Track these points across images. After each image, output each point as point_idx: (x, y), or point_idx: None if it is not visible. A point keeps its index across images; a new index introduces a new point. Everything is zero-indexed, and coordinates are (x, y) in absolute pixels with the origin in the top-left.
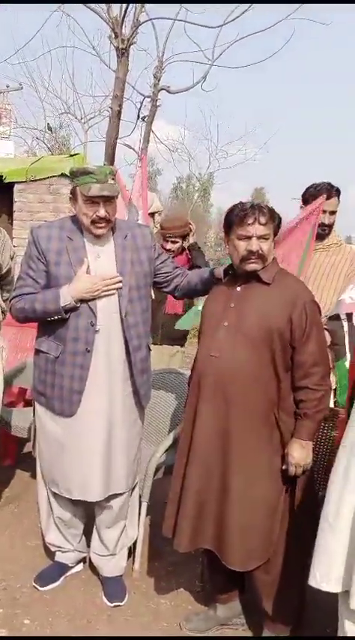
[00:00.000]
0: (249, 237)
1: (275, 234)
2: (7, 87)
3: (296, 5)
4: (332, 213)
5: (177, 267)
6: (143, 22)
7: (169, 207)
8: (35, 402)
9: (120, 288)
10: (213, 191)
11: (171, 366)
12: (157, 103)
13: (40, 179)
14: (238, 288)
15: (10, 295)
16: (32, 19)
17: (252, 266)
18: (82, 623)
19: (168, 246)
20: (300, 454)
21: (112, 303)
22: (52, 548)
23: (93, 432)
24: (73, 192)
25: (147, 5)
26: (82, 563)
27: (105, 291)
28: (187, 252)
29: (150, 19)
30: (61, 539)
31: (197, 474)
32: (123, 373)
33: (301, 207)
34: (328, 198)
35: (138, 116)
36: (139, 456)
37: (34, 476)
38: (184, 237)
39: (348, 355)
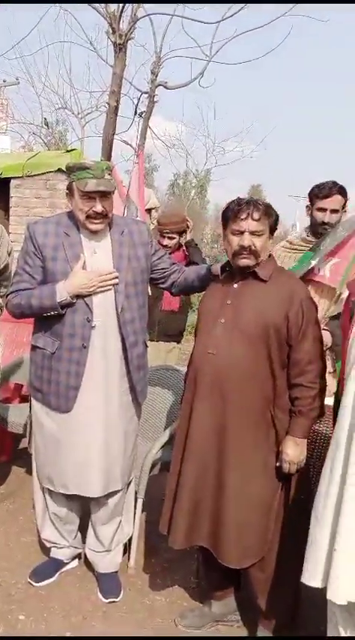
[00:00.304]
0: (242, 233)
1: (271, 231)
2: (4, 82)
3: (293, 3)
4: (334, 211)
5: (174, 264)
6: (140, 18)
7: (166, 203)
8: (31, 398)
9: (117, 284)
10: (209, 188)
11: (168, 362)
12: (154, 99)
13: (36, 174)
14: (235, 285)
15: (6, 291)
16: (29, 14)
17: (243, 261)
18: (77, 619)
19: (165, 242)
20: (294, 451)
21: (109, 299)
22: (48, 545)
23: (90, 428)
24: (70, 188)
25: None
26: (77, 560)
27: (102, 287)
28: (184, 248)
29: (148, 15)
30: (56, 536)
31: (192, 471)
32: (120, 369)
33: (307, 206)
34: (328, 196)
35: (136, 112)
36: (136, 452)
37: (29, 472)
38: (181, 233)
39: None
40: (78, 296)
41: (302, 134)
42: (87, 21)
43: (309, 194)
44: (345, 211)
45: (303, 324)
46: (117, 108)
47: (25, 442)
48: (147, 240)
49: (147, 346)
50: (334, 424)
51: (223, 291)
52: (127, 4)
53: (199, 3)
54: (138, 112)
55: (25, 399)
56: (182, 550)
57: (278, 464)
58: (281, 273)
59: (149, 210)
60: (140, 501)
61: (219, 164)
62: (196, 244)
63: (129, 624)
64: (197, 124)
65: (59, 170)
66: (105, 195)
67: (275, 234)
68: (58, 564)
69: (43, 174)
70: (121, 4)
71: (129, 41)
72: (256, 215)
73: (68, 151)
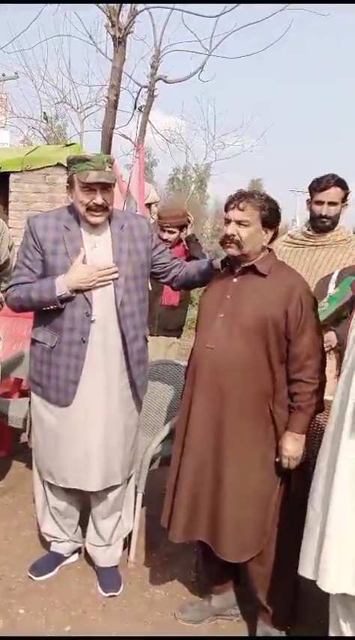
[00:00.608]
0: (229, 222)
1: (265, 225)
2: (3, 76)
3: (288, 2)
4: (332, 204)
5: (174, 258)
6: (140, 11)
7: (165, 198)
8: (31, 392)
9: (116, 278)
10: (209, 182)
11: (168, 357)
12: (154, 93)
13: (35, 169)
14: (234, 280)
15: (6, 285)
16: (28, 8)
17: (228, 250)
18: (77, 613)
19: (165, 236)
20: (293, 447)
21: (108, 293)
22: (48, 539)
23: (89, 423)
24: (70, 181)
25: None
26: (77, 554)
27: (101, 281)
28: (184, 243)
29: (147, 8)
30: (56, 530)
31: (191, 465)
32: (120, 364)
33: (307, 200)
34: (326, 188)
35: (135, 106)
36: (136, 447)
37: (29, 467)
38: (181, 227)
39: None
40: (77, 290)
41: (303, 128)
42: (86, 15)
43: (309, 187)
44: (346, 205)
45: (302, 318)
46: (116, 102)
47: (24, 437)
48: (148, 234)
49: (147, 341)
50: None
51: (223, 286)
52: None
53: (198, 3)
54: (138, 106)
55: (24, 394)
56: (182, 544)
57: (277, 459)
58: (282, 268)
59: (149, 205)
60: (140, 496)
61: (219, 158)
62: (197, 239)
63: (129, 618)
64: (197, 119)
65: (58, 164)
66: (105, 187)
67: (277, 229)
68: (58, 558)
69: (42, 168)
70: None
71: (128, 35)
72: (241, 205)
73: (67, 145)
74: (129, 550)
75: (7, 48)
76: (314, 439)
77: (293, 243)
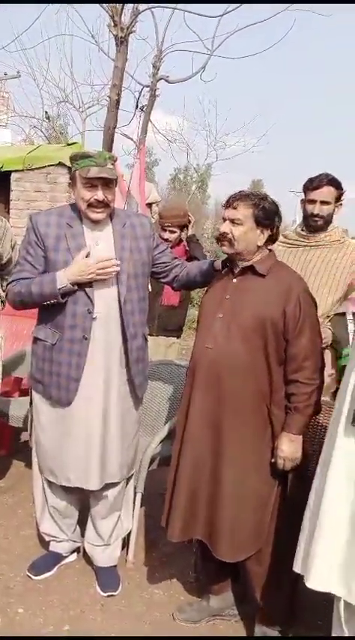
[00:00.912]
0: (224, 220)
1: (260, 224)
2: (5, 75)
3: (290, 2)
4: (325, 203)
5: (175, 258)
6: (142, 11)
7: (166, 198)
8: (32, 390)
9: (117, 271)
10: (211, 182)
11: (168, 357)
12: (156, 93)
13: (37, 168)
14: (234, 280)
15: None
16: (31, 6)
17: (223, 248)
18: (75, 612)
19: (166, 235)
20: (289, 448)
21: (110, 290)
22: (47, 538)
23: (89, 420)
24: (73, 177)
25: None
26: (76, 553)
27: (101, 274)
28: (185, 243)
29: (150, 8)
30: (55, 529)
31: (189, 465)
32: (120, 361)
33: (301, 200)
34: (318, 187)
35: (137, 106)
36: (137, 446)
37: (29, 466)
38: (182, 227)
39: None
40: (79, 285)
41: (305, 128)
42: (88, 14)
43: (303, 187)
44: (340, 204)
45: (300, 318)
46: (118, 101)
47: (24, 436)
48: (150, 233)
49: (146, 340)
50: None
51: (223, 286)
52: None
53: (200, 3)
54: (140, 105)
55: (25, 393)
56: (180, 544)
57: (273, 460)
58: (281, 268)
59: (150, 205)
60: (139, 496)
61: (220, 159)
62: (197, 239)
63: (128, 618)
64: (198, 119)
65: (60, 164)
66: (107, 183)
67: (275, 230)
68: (57, 558)
69: (43, 167)
70: None
71: (130, 34)
72: (235, 204)
73: (69, 145)
74: (127, 550)
75: (9, 47)
76: (314, 440)
77: (288, 244)
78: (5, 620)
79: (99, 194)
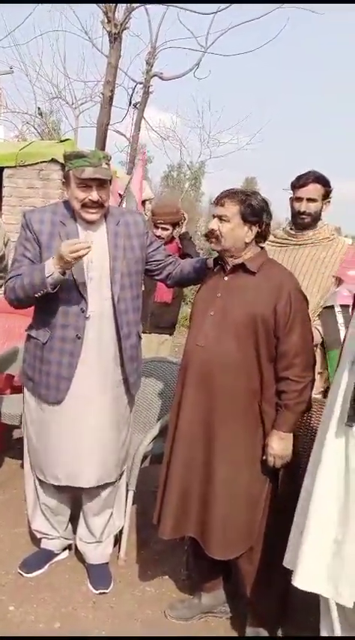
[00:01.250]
0: (214, 217)
1: (245, 220)
2: None
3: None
4: (311, 200)
5: (169, 255)
6: (136, 8)
7: (159, 195)
8: (24, 388)
9: (89, 246)
10: (204, 180)
11: (160, 354)
12: (149, 90)
13: (29, 164)
14: (226, 278)
15: (2, 282)
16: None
17: (211, 245)
18: (67, 610)
19: (159, 232)
20: (279, 446)
21: (104, 289)
22: (38, 535)
23: (83, 419)
24: (66, 177)
25: None
26: (67, 551)
27: (76, 257)
28: (177, 241)
29: (144, 4)
30: (47, 526)
31: (180, 462)
32: (114, 360)
33: (290, 198)
34: (304, 185)
35: (130, 102)
36: (129, 444)
37: (21, 463)
38: (175, 224)
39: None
40: (76, 283)
41: (300, 125)
42: (82, 10)
43: (290, 185)
44: (329, 202)
45: (291, 315)
46: (111, 98)
47: (17, 433)
48: (143, 231)
49: (140, 338)
50: None
51: (215, 284)
52: None
53: (192, 3)
54: (133, 102)
55: (17, 390)
56: (172, 542)
57: (264, 457)
58: (273, 266)
59: (143, 202)
60: (131, 493)
61: (213, 156)
62: (190, 237)
63: (119, 615)
64: (192, 116)
65: (53, 160)
66: (101, 183)
67: (264, 227)
68: (49, 555)
69: (36, 163)
70: None
71: (124, 31)
72: (223, 201)
73: (62, 141)
74: (119, 547)
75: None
76: (305, 438)
77: (278, 243)
78: None
79: (94, 194)
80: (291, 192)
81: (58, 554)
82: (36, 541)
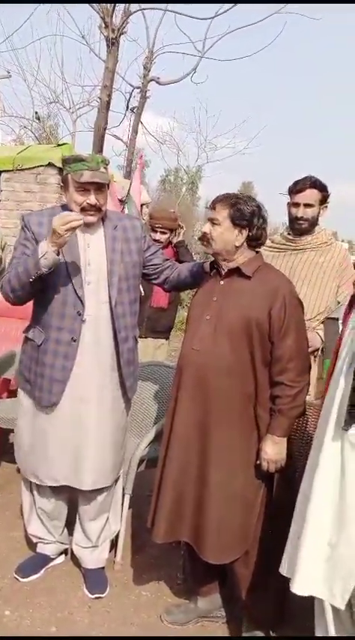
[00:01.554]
0: (208, 221)
1: (235, 223)
2: None
3: (282, 2)
4: (308, 206)
5: (167, 260)
6: (134, 12)
7: (157, 200)
8: (19, 389)
9: (80, 219)
10: (201, 184)
11: (156, 359)
12: (146, 95)
13: (27, 168)
14: (221, 282)
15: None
16: (21, 6)
17: (204, 248)
18: (63, 614)
19: (157, 236)
20: (273, 450)
21: (101, 292)
22: (34, 540)
23: (81, 422)
24: (65, 180)
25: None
26: (63, 555)
27: (68, 229)
28: (174, 247)
29: (141, 9)
30: (43, 531)
31: (175, 466)
32: (111, 364)
33: (288, 203)
34: (301, 190)
35: (128, 107)
36: (125, 447)
37: (17, 467)
38: (172, 230)
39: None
40: (74, 284)
41: (298, 130)
42: (79, 15)
43: (287, 190)
44: (326, 207)
45: (285, 319)
46: (109, 102)
47: (13, 437)
48: (141, 235)
49: (137, 341)
50: None
51: (210, 288)
52: None
53: (191, 3)
54: (130, 107)
55: (12, 394)
56: (168, 546)
57: (258, 462)
58: (269, 270)
59: (140, 206)
60: (127, 497)
61: (210, 160)
62: (186, 245)
63: (115, 620)
64: (189, 120)
65: (50, 164)
66: (99, 187)
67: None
68: (45, 560)
69: (33, 167)
70: None
71: (121, 36)
72: (215, 205)
73: (59, 145)
74: (115, 552)
75: None
76: (301, 442)
77: (275, 248)
78: None
79: (92, 198)
80: (288, 197)
81: (54, 559)
82: (32, 545)
